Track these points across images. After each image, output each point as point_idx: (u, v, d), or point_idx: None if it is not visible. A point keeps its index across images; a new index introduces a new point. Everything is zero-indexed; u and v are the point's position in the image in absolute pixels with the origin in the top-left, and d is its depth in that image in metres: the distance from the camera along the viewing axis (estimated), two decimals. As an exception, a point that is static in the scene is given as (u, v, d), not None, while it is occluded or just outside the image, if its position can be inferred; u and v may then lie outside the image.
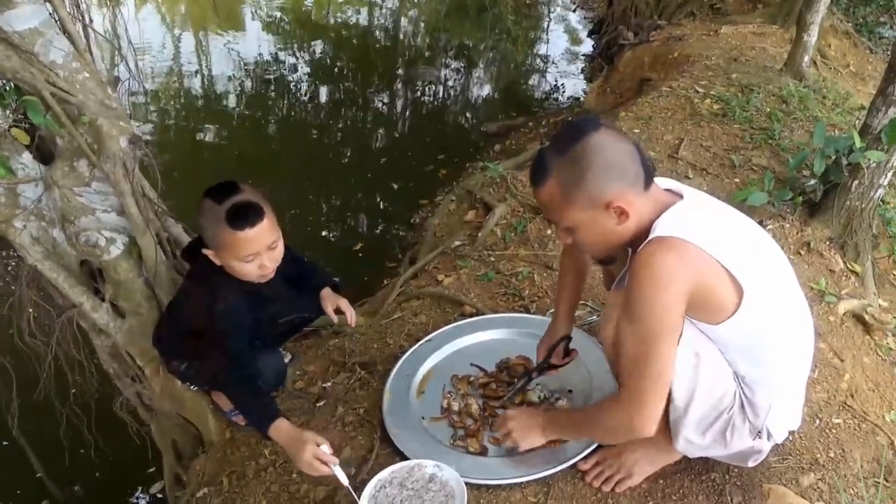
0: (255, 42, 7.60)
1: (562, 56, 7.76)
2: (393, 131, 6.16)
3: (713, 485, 1.78)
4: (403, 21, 8.99)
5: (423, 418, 2.03)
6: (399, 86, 7.06)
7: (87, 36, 2.05)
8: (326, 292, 2.16)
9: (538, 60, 7.78)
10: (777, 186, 2.96)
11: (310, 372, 2.41)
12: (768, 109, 3.94)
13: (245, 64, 7.05)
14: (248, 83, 6.76)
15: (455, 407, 2.04)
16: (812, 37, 4.28)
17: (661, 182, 1.58)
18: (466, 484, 1.73)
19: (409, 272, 2.99)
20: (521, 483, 1.79)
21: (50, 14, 1.83)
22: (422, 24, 8.96)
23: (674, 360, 1.48)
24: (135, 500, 3.09)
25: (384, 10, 9.14)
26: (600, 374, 2.04)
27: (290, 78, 6.95)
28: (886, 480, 1.89)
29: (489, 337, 2.31)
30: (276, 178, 4.97)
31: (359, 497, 1.74)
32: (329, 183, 5.12)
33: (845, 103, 4.30)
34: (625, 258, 1.63)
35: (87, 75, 1.88)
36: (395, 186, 5.09)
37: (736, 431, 1.61)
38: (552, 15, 9.11)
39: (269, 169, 5.13)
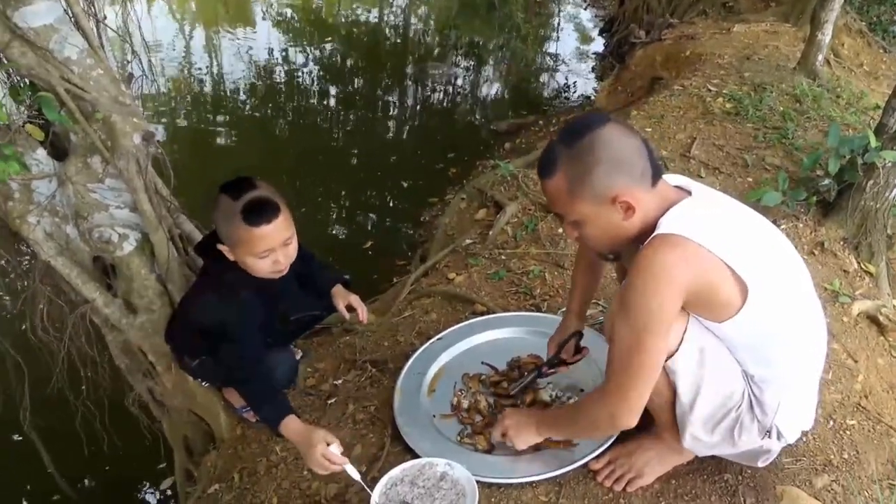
0: (265, 39, 7.62)
1: (572, 54, 7.75)
2: (402, 129, 6.16)
3: (726, 486, 1.77)
4: (413, 19, 8.99)
5: (433, 416, 2.02)
6: (409, 84, 7.06)
7: (100, 33, 2.05)
8: (338, 289, 2.16)
9: (548, 58, 7.76)
10: (791, 186, 2.94)
11: (321, 369, 2.41)
12: (781, 108, 3.91)
13: (255, 61, 7.07)
14: (259, 80, 6.78)
15: (464, 404, 2.04)
16: (826, 35, 4.25)
17: (671, 179, 1.58)
18: (477, 482, 1.73)
19: (419, 270, 2.99)
20: (533, 482, 1.79)
21: (64, 10, 1.83)
22: (431, 22, 8.96)
23: (663, 357, 1.48)
24: (145, 496, 3.11)
25: (394, 8, 9.15)
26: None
27: (300, 75, 6.97)
28: (901, 483, 1.88)
29: (500, 335, 2.30)
30: (287, 176, 4.98)
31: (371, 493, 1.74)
32: (339, 180, 5.12)
33: (859, 102, 4.26)
34: (634, 255, 1.63)
35: (101, 72, 1.89)
36: (405, 184, 5.10)
37: (744, 430, 1.60)
38: (562, 13, 9.09)
39: (279, 166, 5.14)
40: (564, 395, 2.04)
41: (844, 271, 2.74)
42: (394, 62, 7.48)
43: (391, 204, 4.96)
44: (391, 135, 5.99)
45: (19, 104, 1.91)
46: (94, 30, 1.97)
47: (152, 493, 3.09)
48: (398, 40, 8.28)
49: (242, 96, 6.44)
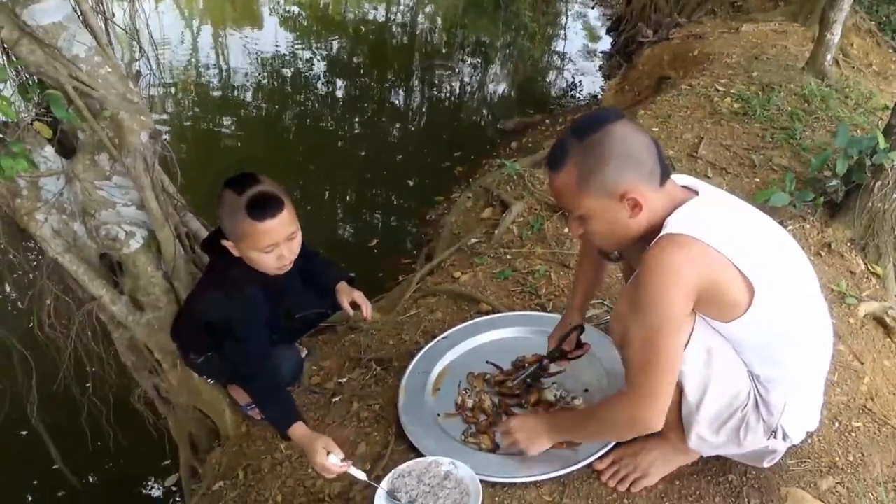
0: (272, 37, 7.63)
1: (579, 53, 7.73)
2: (409, 127, 6.16)
3: (730, 486, 1.77)
4: (420, 17, 8.99)
5: (438, 415, 2.03)
6: (415, 82, 7.06)
7: (108, 30, 2.06)
8: (342, 286, 2.16)
9: (555, 57, 7.75)
10: (798, 187, 2.93)
11: (325, 367, 2.41)
12: (790, 109, 3.89)
13: (262, 59, 7.08)
14: (266, 78, 6.79)
15: (469, 403, 2.04)
16: (835, 35, 4.22)
17: (678, 178, 1.57)
18: (481, 482, 1.73)
19: (425, 269, 2.99)
20: (537, 482, 1.79)
21: (73, 8, 1.84)
22: (438, 20, 8.96)
23: (680, 356, 1.48)
24: (150, 492, 3.13)
25: (401, 6, 9.15)
26: (616, 373, 2.02)
27: (307, 73, 6.98)
28: (907, 485, 1.87)
29: (505, 335, 2.30)
30: (293, 174, 4.99)
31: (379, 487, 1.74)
32: (345, 179, 5.13)
33: (868, 103, 4.24)
34: (640, 255, 1.62)
35: (109, 69, 1.90)
36: (411, 183, 5.10)
37: (750, 430, 1.59)
38: (570, 12, 9.07)
39: (285, 164, 5.15)
40: (569, 395, 2.03)
41: (851, 272, 2.73)
42: (400, 60, 7.48)
43: (397, 202, 4.97)
44: (397, 133, 5.99)
45: (28, 102, 1.92)
46: (103, 28, 1.98)
47: (157, 489, 3.11)
48: (405, 38, 8.28)
49: (249, 94, 6.46)
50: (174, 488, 2.93)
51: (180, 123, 5.90)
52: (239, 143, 5.61)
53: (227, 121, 5.94)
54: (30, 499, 3.13)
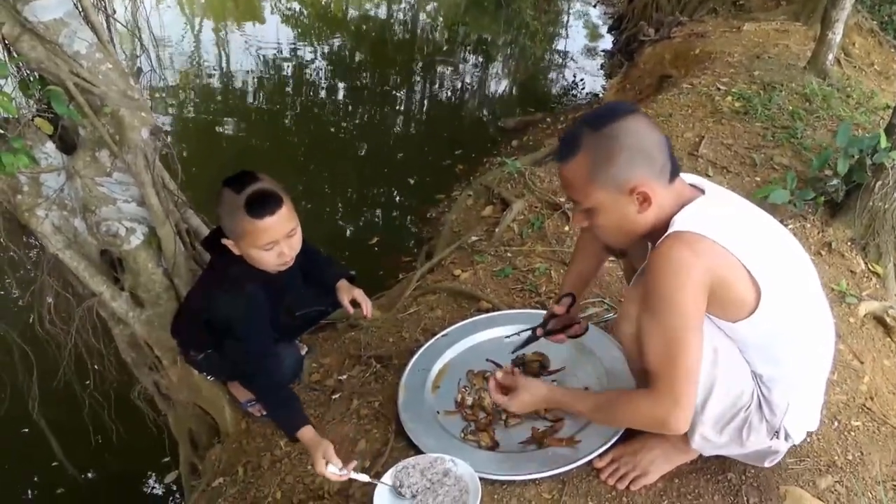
0: (273, 35, 7.63)
1: (581, 52, 7.73)
2: (409, 126, 6.16)
3: (729, 485, 1.77)
4: (422, 15, 8.98)
5: (437, 412, 2.03)
6: (416, 80, 7.06)
7: (109, 27, 2.06)
8: (342, 284, 2.16)
9: (557, 56, 7.75)
10: (799, 186, 2.93)
11: (325, 365, 2.41)
12: (791, 108, 3.89)
13: (263, 57, 7.08)
14: (267, 76, 6.79)
15: (469, 401, 2.04)
16: (837, 35, 4.22)
17: (685, 177, 1.57)
18: (481, 479, 1.73)
19: (425, 267, 2.99)
20: (536, 480, 1.79)
21: (74, 5, 1.84)
22: (440, 19, 8.95)
23: (701, 353, 1.47)
24: (150, 489, 3.13)
25: (403, 4, 9.14)
26: (617, 372, 2.03)
27: (307, 71, 6.98)
28: (906, 485, 1.87)
29: (505, 333, 2.30)
30: (294, 172, 4.99)
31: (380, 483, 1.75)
32: (345, 176, 5.13)
33: (869, 102, 4.24)
34: (644, 252, 1.62)
35: (110, 66, 1.90)
36: (412, 181, 5.10)
37: (753, 430, 1.59)
38: (571, 10, 9.07)
39: (285, 162, 5.15)
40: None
41: (852, 272, 2.73)
42: (401, 58, 7.48)
43: (397, 200, 4.97)
44: (398, 131, 6.00)
45: (29, 98, 1.92)
46: (104, 24, 1.98)
47: (157, 485, 3.11)
48: (406, 36, 8.27)
49: (250, 91, 6.46)
50: (174, 485, 2.94)
51: (181, 120, 5.90)
52: (240, 141, 5.61)
53: (227, 118, 5.94)
54: (30, 495, 3.13)
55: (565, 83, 7.00)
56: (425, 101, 6.71)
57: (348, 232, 4.64)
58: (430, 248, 3.52)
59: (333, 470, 1.70)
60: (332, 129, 5.90)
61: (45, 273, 2.15)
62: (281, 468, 2.05)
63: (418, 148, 5.59)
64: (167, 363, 2.31)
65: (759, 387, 1.58)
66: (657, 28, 6.11)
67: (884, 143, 2.63)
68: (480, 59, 7.62)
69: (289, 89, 6.64)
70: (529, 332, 1.98)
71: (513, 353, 2.05)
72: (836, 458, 1.89)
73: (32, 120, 1.86)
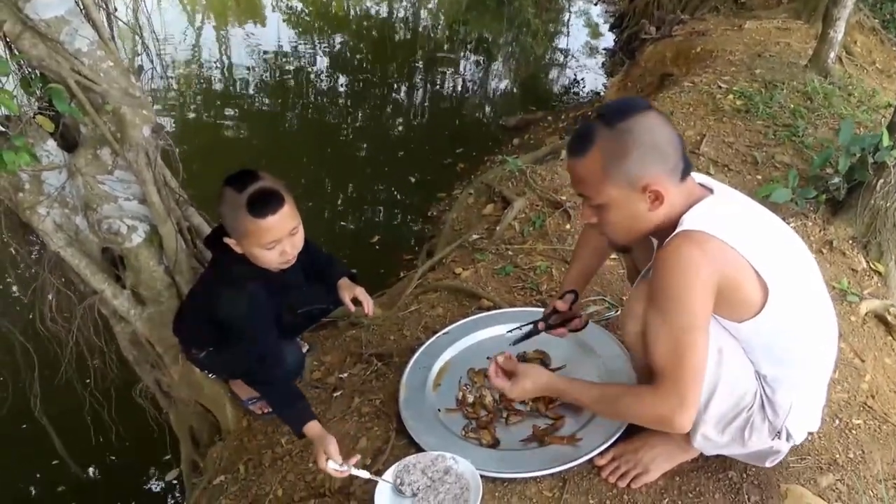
0: (274, 33, 7.63)
1: (582, 50, 7.72)
2: (411, 124, 6.16)
3: (730, 483, 1.77)
4: (423, 13, 8.98)
5: (438, 410, 2.03)
6: (417, 78, 7.06)
7: (110, 25, 2.06)
8: (344, 282, 2.16)
9: (558, 54, 7.74)
10: (800, 184, 2.92)
11: (327, 362, 2.42)
12: (792, 106, 3.89)
13: (264, 55, 7.08)
14: (268, 74, 6.79)
15: (469, 399, 2.04)
16: (838, 33, 4.21)
17: (694, 176, 1.56)
18: (482, 477, 1.73)
19: (426, 265, 2.99)
20: (537, 477, 1.79)
21: (76, 2, 1.84)
22: (441, 17, 8.94)
23: (707, 353, 1.46)
24: (152, 486, 3.13)
25: (404, 3, 9.13)
26: (617, 371, 2.03)
27: (309, 69, 6.98)
28: (907, 483, 1.87)
29: (506, 330, 2.30)
30: (294, 170, 5.00)
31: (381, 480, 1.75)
32: (346, 175, 5.13)
33: (871, 101, 4.23)
34: (650, 250, 1.62)
35: (112, 64, 1.90)
36: (413, 179, 5.10)
37: (755, 430, 1.59)
38: (573, 8, 9.06)
39: (287, 160, 5.16)
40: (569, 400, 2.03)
41: (853, 270, 2.73)
42: (403, 56, 7.47)
43: (399, 198, 4.97)
44: (399, 129, 5.99)
45: (30, 96, 1.92)
46: (105, 22, 1.98)
47: (158, 483, 3.11)
48: (407, 35, 8.27)
49: (251, 89, 6.46)
50: (175, 482, 2.94)
51: (182, 118, 5.90)
52: (241, 139, 5.61)
53: (228, 116, 5.95)
54: (32, 492, 3.13)
55: (566, 81, 7.00)
56: (426, 100, 6.70)
57: (349, 230, 4.64)
58: (431, 247, 3.53)
59: (334, 466, 1.70)
60: (333, 128, 5.91)
61: (47, 271, 2.15)
62: (282, 466, 2.06)
63: (419, 146, 5.59)
64: (168, 361, 2.31)
65: (763, 387, 1.57)
66: (658, 26, 6.10)
67: (885, 141, 2.62)
68: (481, 58, 7.62)
69: (290, 87, 6.64)
70: (531, 327, 1.98)
71: (513, 345, 2.05)
72: (838, 456, 1.89)
73: (34, 118, 1.86)
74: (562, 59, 7.58)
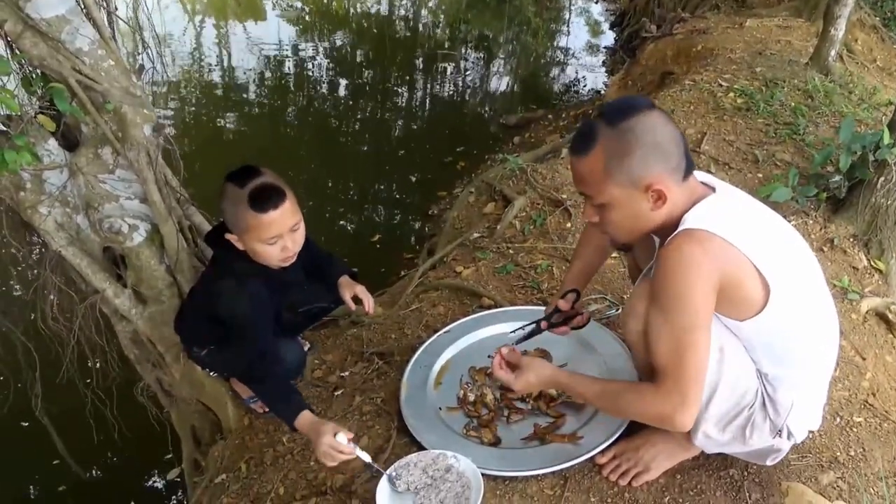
0: (274, 31, 7.62)
1: (582, 48, 7.72)
2: (411, 123, 6.16)
3: (731, 481, 1.77)
4: (423, 12, 8.97)
5: (439, 409, 2.03)
6: (418, 77, 7.05)
7: (111, 24, 2.06)
8: (344, 280, 2.16)
9: (558, 53, 7.74)
10: (801, 182, 2.92)
11: (328, 361, 2.42)
12: (793, 104, 3.88)
13: (265, 53, 7.08)
14: (268, 73, 6.79)
15: (471, 397, 2.04)
16: (839, 31, 4.20)
17: (696, 174, 1.56)
18: (483, 475, 1.73)
19: (427, 263, 2.99)
20: (538, 475, 1.79)
21: (76, 1, 1.84)
22: (441, 15, 8.94)
23: (709, 350, 1.46)
24: (153, 485, 3.14)
25: (404, 1, 9.13)
26: (619, 369, 2.03)
27: (309, 68, 6.98)
28: (908, 481, 1.87)
29: (507, 329, 2.30)
30: (295, 169, 4.99)
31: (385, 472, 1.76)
32: (347, 174, 5.13)
33: (872, 99, 4.23)
34: (651, 248, 1.62)
35: (112, 63, 1.90)
36: (414, 178, 5.10)
37: (756, 429, 1.59)
38: (573, 7, 9.05)
39: (287, 159, 5.16)
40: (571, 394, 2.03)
41: (854, 268, 2.73)
42: (403, 55, 7.47)
43: (399, 197, 4.97)
44: (400, 128, 5.99)
45: (31, 95, 1.92)
46: (106, 21, 1.98)
47: (160, 481, 3.12)
48: (408, 33, 8.26)
49: (252, 88, 6.46)
50: (177, 480, 2.95)
51: (183, 117, 5.90)
52: (241, 137, 5.61)
53: (229, 114, 5.95)
54: (33, 491, 3.14)
55: (567, 80, 6.99)
56: (427, 98, 6.70)
57: (350, 229, 4.64)
58: (431, 245, 3.53)
59: (342, 438, 1.69)
60: (334, 126, 5.91)
61: (48, 270, 2.16)
62: (284, 464, 2.06)
63: (420, 145, 5.59)
64: (170, 360, 2.32)
65: (764, 386, 1.57)
66: (659, 24, 6.10)
67: (886, 139, 2.62)
68: (482, 56, 7.62)
69: (290, 86, 6.64)
70: (533, 326, 1.98)
71: (515, 345, 2.05)
72: (839, 454, 1.89)
73: (35, 117, 1.86)
74: (562, 57, 7.58)
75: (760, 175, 3.27)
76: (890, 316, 2.54)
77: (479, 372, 2.14)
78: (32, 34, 1.78)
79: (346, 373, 2.32)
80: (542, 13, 8.38)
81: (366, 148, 5.56)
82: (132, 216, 2.09)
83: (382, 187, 5.04)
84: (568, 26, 8.55)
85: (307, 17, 8.39)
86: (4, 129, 1.83)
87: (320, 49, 7.47)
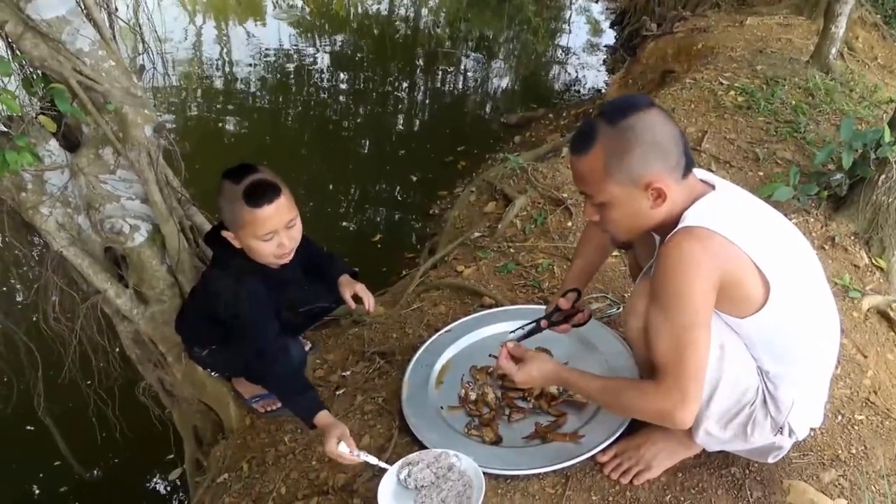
0: (275, 31, 7.62)
1: (583, 47, 7.71)
2: (412, 122, 6.16)
3: (733, 479, 1.77)
4: (424, 11, 8.97)
5: (441, 408, 2.03)
6: (418, 76, 7.05)
7: (112, 24, 2.07)
8: (345, 279, 2.17)
9: (559, 51, 7.73)
10: (802, 180, 2.92)
11: (329, 361, 2.42)
12: (794, 102, 3.88)
13: (265, 53, 7.08)
14: (269, 73, 6.79)
15: (472, 396, 2.05)
16: (840, 28, 4.20)
17: (696, 172, 1.57)
18: (485, 474, 1.73)
19: (428, 263, 2.99)
20: (540, 474, 1.79)
21: (77, 2, 1.84)
22: (442, 14, 8.94)
23: (709, 348, 1.46)
24: (155, 485, 3.14)
25: (404, 0, 9.12)
26: (620, 368, 2.03)
27: (309, 67, 6.97)
28: (909, 478, 1.87)
29: (508, 328, 2.30)
30: (296, 169, 5.00)
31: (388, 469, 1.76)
32: (348, 174, 5.14)
33: (872, 96, 4.22)
34: (651, 247, 1.62)
35: (113, 63, 1.90)
36: (414, 177, 5.10)
37: (757, 426, 1.59)
38: (573, 5, 9.04)
39: (288, 159, 5.16)
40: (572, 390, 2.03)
41: (855, 266, 2.73)
42: (403, 54, 7.47)
43: (400, 197, 4.97)
44: (401, 127, 5.99)
45: (32, 96, 1.93)
46: (106, 21, 1.98)
47: (162, 482, 3.12)
48: (408, 32, 8.26)
49: (252, 88, 6.46)
50: (179, 481, 2.95)
51: (184, 117, 5.90)
52: (242, 137, 5.61)
53: (230, 115, 5.95)
54: (35, 491, 3.14)
55: (567, 79, 6.98)
56: (427, 98, 6.70)
57: (351, 229, 4.64)
58: (432, 245, 3.53)
59: (344, 449, 1.70)
60: (335, 126, 5.91)
61: (50, 270, 2.16)
62: (285, 463, 2.06)
63: (420, 144, 5.59)
64: (171, 360, 2.32)
65: (765, 383, 1.58)
66: (659, 23, 6.09)
67: (887, 137, 2.62)
68: (482, 55, 7.61)
69: (291, 86, 6.64)
70: (533, 325, 1.98)
71: (515, 339, 2.04)
72: (840, 451, 1.89)
73: (36, 118, 1.87)
74: (563, 56, 7.57)
75: (761, 173, 3.27)
76: (891, 314, 2.54)
77: (480, 371, 2.14)
78: (33, 35, 1.78)
79: (348, 372, 2.33)
80: (542, 12, 8.38)
81: (367, 148, 5.56)
82: (133, 216, 2.09)
83: (383, 187, 5.04)
84: (568, 25, 8.54)
85: (307, 18, 8.39)
86: (6, 129, 1.84)
87: (320, 49, 7.46)
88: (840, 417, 2.01)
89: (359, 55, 7.47)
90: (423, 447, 1.87)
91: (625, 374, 1.97)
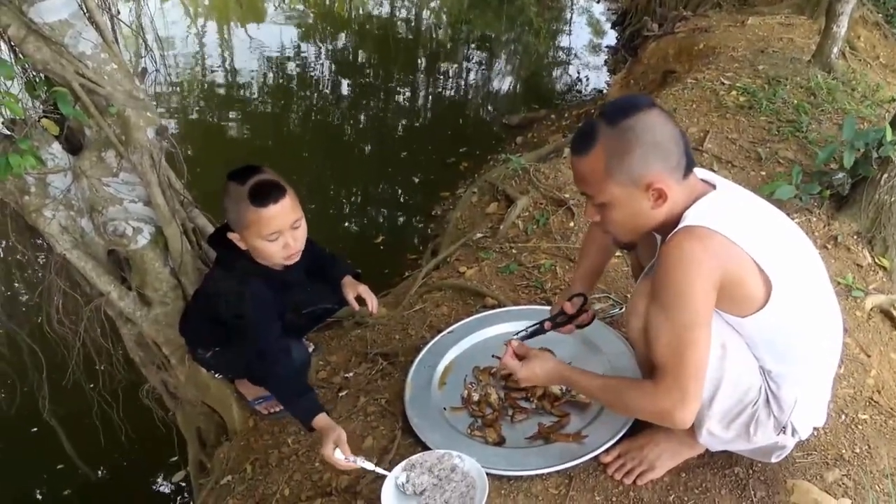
0: (277, 34, 7.63)
1: (584, 48, 7.71)
2: (414, 123, 6.16)
3: (736, 479, 1.77)
4: (425, 13, 8.98)
5: (444, 409, 2.03)
6: (420, 78, 7.05)
7: (114, 28, 2.07)
8: (348, 280, 2.17)
9: (560, 52, 7.73)
10: (804, 180, 2.92)
11: (332, 362, 2.42)
12: (795, 102, 3.88)
13: (267, 56, 7.09)
14: (271, 75, 6.80)
15: (475, 397, 2.05)
16: (842, 28, 4.19)
17: (696, 172, 1.57)
18: (488, 475, 1.73)
19: (431, 264, 2.99)
20: (543, 475, 1.79)
21: (79, 6, 1.85)
22: (444, 16, 8.94)
23: (709, 350, 1.47)
24: (159, 487, 3.15)
25: (406, 2, 9.13)
26: (622, 368, 2.03)
27: (312, 70, 6.98)
28: (914, 478, 1.87)
29: (511, 329, 2.30)
30: (298, 170, 5.00)
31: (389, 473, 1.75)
32: (350, 175, 5.14)
33: (875, 95, 4.22)
34: (653, 247, 1.62)
35: (115, 66, 1.91)
36: (417, 179, 5.10)
37: (760, 426, 1.59)
38: (575, 6, 9.04)
39: (290, 160, 5.16)
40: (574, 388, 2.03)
41: (858, 265, 2.72)
42: (405, 56, 7.47)
43: (403, 198, 4.97)
44: (403, 129, 6.00)
45: (35, 99, 1.93)
46: (109, 25, 1.99)
47: (166, 484, 3.12)
48: (410, 34, 8.26)
49: (254, 91, 6.47)
50: (183, 483, 2.95)
51: (186, 120, 5.91)
52: (244, 140, 5.62)
53: (232, 117, 5.96)
54: (39, 493, 3.15)
55: (569, 79, 6.98)
56: (429, 99, 6.70)
57: (353, 230, 4.65)
58: (435, 246, 3.53)
59: (339, 456, 1.70)
60: (337, 128, 5.92)
61: (53, 273, 2.16)
62: (289, 465, 2.06)
63: (422, 146, 5.59)
64: (175, 362, 2.32)
65: (768, 382, 1.57)
66: (661, 23, 6.09)
67: (889, 136, 2.62)
68: (484, 57, 7.61)
69: (293, 88, 6.65)
70: (537, 326, 1.98)
71: (518, 339, 2.04)
72: (844, 451, 1.88)
73: (39, 121, 1.87)
74: (564, 56, 7.57)
75: (763, 173, 3.27)
76: (894, 313, 2.53)
77: (483, 372, 2.14)
78: (36, 38, 1.78)
79: (351, 374, 2.33)
80: (543, 13, 8.38)
81: (369, 149, 5.57)
82: (136, 219, 2.10)
83: (385, 188, 5.04)
84: (569, 26, 8.54)
85: (309, 20, 8.40)
86: (9, 133, 1.84)
87: (322, 51, 7.48)
88: (843, 417, 2.01)
89: (360, 57, 7.48)
90: (426, 448, 1.87)
91: (627, 374, 1.97)
